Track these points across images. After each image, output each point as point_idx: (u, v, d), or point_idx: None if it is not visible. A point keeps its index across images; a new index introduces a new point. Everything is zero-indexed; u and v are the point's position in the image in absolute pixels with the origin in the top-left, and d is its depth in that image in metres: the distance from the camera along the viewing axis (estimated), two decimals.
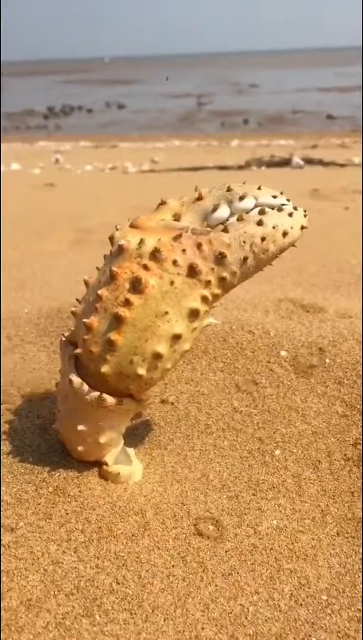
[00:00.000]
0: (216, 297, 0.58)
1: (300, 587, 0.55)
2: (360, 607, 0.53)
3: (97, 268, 0.61)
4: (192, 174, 3.58)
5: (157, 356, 0.56)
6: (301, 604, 0.53)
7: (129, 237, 0.57)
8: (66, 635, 0.49)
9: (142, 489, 0.64)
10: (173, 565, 0.56)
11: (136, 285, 0.55)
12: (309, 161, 4.21)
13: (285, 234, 0.59)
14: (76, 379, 0.58)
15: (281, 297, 1.07)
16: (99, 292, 0.56)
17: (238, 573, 0.56)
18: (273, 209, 0.60)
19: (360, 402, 0.78)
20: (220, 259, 0.56)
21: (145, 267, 0.55)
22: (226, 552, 0.58)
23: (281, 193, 0.63)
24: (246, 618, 0.51)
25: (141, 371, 0.56)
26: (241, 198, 0.61)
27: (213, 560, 0.57)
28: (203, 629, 0.50)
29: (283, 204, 0.61)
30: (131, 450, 0.67)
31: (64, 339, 0.62)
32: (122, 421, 0.62)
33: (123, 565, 0.55)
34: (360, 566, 0.57)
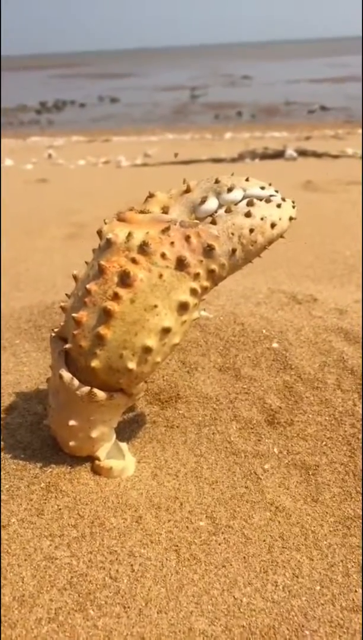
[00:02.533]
0: (205, 289, 0.57)
1: (293, 578, 0.55)
2: (353, 597, 0.53)
3: (86, 262, 0.60)
4: (185, 167, 3.57)
5: (147, 350, 0.56)
6: (294, 595, 0.53)
7: (117, 230, 0.57)
8: (60, 630, 0.49)
9: (135, 484, 0.64)
10: (166, 559, 0.56)
11: (125, 279, 0.54)
12: (302, 153, 4.20)
13: (273, 225, 0.59)
14: (66, 374, 0.58)
15: (273, 288, 1.07)
16: (88, 286, 0.56)
17: (231, 565, 0.56)
18: (261, 200, 0.60)
19: (355, 394, 0.78)
20: (209, 251, 0.56)
21: (133, 261, 0.55)
22: (219, 544, 0.58)
23: (270, 184, 0.63)
24: (239, 610, 0.52)
25: (131, 365, 0.56)
26: (229, 190, 0.61)
27: (206, 552, 0.57)
28: (196, 621, 0.50)
29: (271, 195, 0.61)
30: (123, 445, 0.67)
31: (53, 334, 0.62)
32: (114, 415, 0.61)
33: (116, 559, 0.55)
34: (354, 556, 0.57)
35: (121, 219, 0.59)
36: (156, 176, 3.24)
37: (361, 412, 0.75)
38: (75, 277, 0.61)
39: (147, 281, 0.55)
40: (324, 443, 0.72)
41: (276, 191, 0.62)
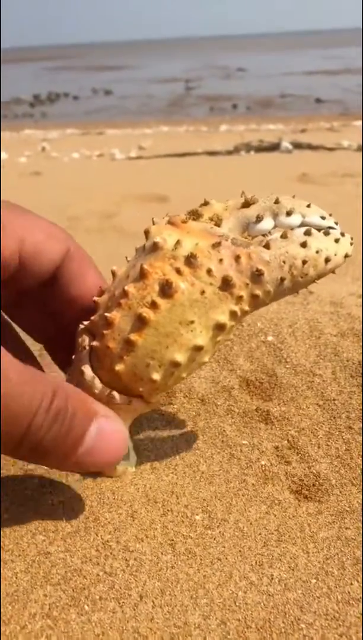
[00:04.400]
0: (245, 313, 0.54)
1: (289, 571, 0.55)
2: (349, 590, 0.53)
3: (126, 259, 0.58)
4: (180, 160, 3.55)
5: (175, 364, 0.53)
6: (290, 589, 0.53)
7: (165, 234, 0.54)
8: (54, 625, 0.48)
9: (132, 479, 0.64)
10: (161, 553, 0.55)
11: (166, 289, 0.51)
12: (298, 145, 4.19)
13: (327, 260, 0.56)
14: (88, 372, 0.56)
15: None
16: (126, 287, 0.53)
17: (226, 559, 0.56)
18: (319, 230, 0.57)
19: (351, 387, 0.78)
20: (257, 276, 0.53)
21: (178, 271, 0.52)
22: (214, 538, 0.58)
23: (330, 215, 0.60)
24: (235, 603, 0.51)
25: (156, 376, 0.54)
26: (288, 213, 0.57)
27: (201, 547, 0.57)
28: (191, 615, 0.50)
29: (330, 227, 0.58)
30: (129, 443, 0.65)
31: (83, 326, 0.58)
32: (128, 419, 0.59)
33: (111, 554, 0.55)
34: (350, 549, 0.57)
35: (171, 222, 0.56)
36: (150, 169, 3.22)
37: (357, 404, 0.75)
38: (113, 273, 0.57)
39: (188, 295, 0.52)
40: (320, 436, 0.71)
41: (336, 223, 0.59)
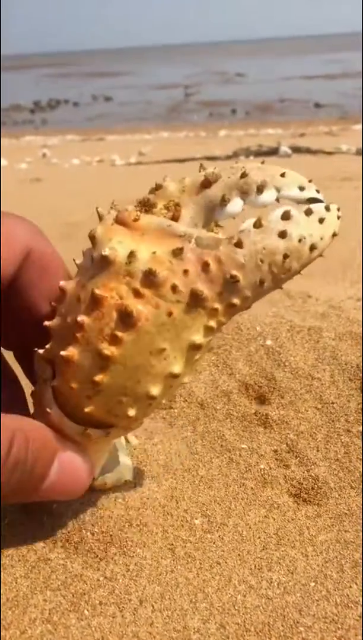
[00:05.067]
0: (222, 324, 0.48)
1: (289, 575, 0.55)
2: (348, 593, 0.53)
3: (75, 262, 0.51)
4: (180, 166, 3.57)
5: (150, 397, 0.47)
6: (289, 592, 0.53)
7: (115, 243, 0.45)
8: (54, 630, 0.49)
9: (132, 484, 0.64)
10: (161, 557, 0.56)
11: (126, 319, 0.44)
12: (297, 150, 4.20)
13: (313, 248, 0.47)
14: (56, 412, 0.48)
15: None
16: (80, 319, 0.45)
17: (226, 563, 0.56)
18: (299, 203, 0.48)
19: (349, 390, 0.78)
20: (232, 283, 0.45)
21: (136, 293, 0.44)
22: (213, 542, 0.58)
23: (310, 181, 0.50)
24: (234, 607, 0.52)
25: (132, 412, 0.47)
26: (260, 189, 0.48)
27: (201, 551, 0.57)
28: (191, 619, 0.50)
29: (312, 198, 0.49)
30: (120, 444, 0.63)
31: (40, 353, 0.50)
32: (109, 443, 0.56)
33: (111, 559, 0.55)
34: (349, 552, 0.57)
35: (121, 221, 0.47)
36: (150, 175, 3.24)
37: (355, 407, 0.75)
38: (62, 290, 0.49)
39: (153, 320, 0.44)
40: (318, 439, 0.72)
41: (318, 191, 0.50)
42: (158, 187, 0.49)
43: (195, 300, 0.45)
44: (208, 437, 0.72)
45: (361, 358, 0.81)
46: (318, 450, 0.70)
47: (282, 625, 0.50)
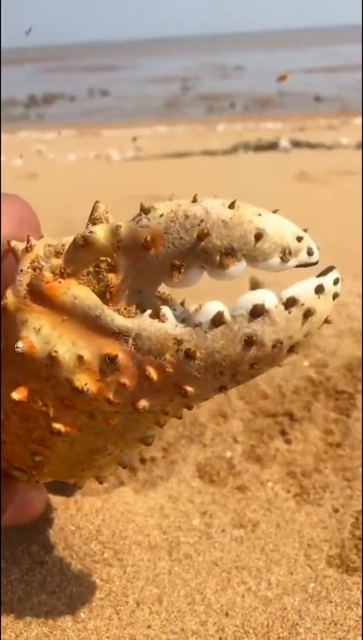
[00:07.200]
0: (175, 415, 0.40)
1: (288, 576, 0.54)
2: (347, 594, 0.53)
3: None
4: (178, 161, 3.54)
5: (101, 478, 0.44)
6: (288, 593, 0.53)
7: (31, 332, 0.36)
8: (50, 633, 0.48)
9: (129, 485, 0.63)
10: (158, 559, 0.55)
11: (55, 429, 0.38)
12: (296, 144, 4.18)
13: (293, 349, 0.35)
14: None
15: (267, 281, 1.06)
16: (4, 412, 0.40)
17: (224, 564, 0.55)
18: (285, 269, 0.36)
19: (350, 389, 0.77)
20: (183, 394, 0.35)
21: (63, 402, 0.37)
22: (212, 543, 0.57)
23: (305, 230, 0.38)
24: (233, 609, 0.51)
25: (85, 478, 0.44)
26: (223, 260, 0.35)
27: (199, 552, 0.56)
28: (189, 621, 0.50)
29: (306, 263, 0.37)
30: None
31: None
32: None
33: (108, 561, 0.54)
34: (347, 553, 0.57)
35: (36, 293, 0.37)
36: (147, 170, 3.22)
37: (357, 404, 0.74)
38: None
39: (88, 430, 0.38)
40: (321, 440, 0.71)
41: (311, 250, 0.37)
42: (85, 243, 0.37)
43: (137, 410, 0.36)
44: (209, 437, 0.71)
45: (361, 355, 0.81)
46: (319, 452, 0.70)
47: (282, 627, 0.49)
